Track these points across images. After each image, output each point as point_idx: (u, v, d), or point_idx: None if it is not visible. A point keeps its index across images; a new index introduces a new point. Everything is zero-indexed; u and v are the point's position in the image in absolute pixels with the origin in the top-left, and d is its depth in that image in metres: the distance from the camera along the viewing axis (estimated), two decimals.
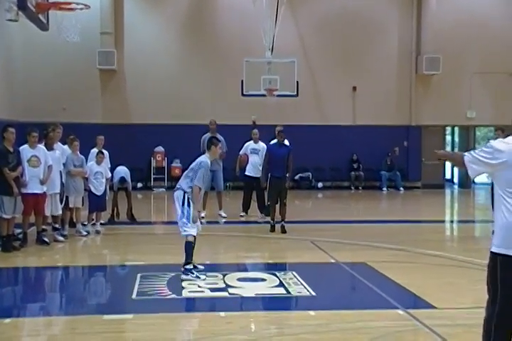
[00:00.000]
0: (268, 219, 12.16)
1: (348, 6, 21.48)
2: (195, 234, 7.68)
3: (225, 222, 13.26)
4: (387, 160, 21.46)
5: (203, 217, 13.17)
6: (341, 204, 18.20)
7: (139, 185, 20.24)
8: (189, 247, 7.67)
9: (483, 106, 21.87)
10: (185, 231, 7.64)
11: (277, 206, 11.75)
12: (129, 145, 20.09)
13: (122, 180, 12.66)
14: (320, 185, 21.50)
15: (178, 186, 7.93)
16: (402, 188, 21.42)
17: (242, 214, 13.86)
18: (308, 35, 21.56)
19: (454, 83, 21.81)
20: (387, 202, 19.59)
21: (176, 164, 20.48)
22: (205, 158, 7.88)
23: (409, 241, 10.58)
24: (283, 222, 11.42)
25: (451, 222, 15.46)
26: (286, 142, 12.48)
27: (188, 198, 7.69)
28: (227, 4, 21.19)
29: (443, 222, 14.68)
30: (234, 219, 13.47)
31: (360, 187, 21.50)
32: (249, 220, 13.44)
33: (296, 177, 20.73)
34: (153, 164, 20.71)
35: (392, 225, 13.11)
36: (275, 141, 12.66)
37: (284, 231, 11.33)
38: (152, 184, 20.60)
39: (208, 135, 13.89)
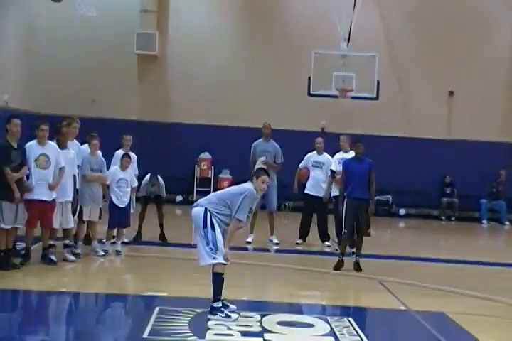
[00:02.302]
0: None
1: None
2: (224, 262, 7.57)
3: (277, 251, 13.24)
4: (491, 187, 21.06)
5: (249, 242, 13.20)
6: (427, 237, 17.97)
7: (179, 198, 20.43)
8: (218, 279, 7.57)
9: None
10: (214, 258, 7.54)
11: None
12: (168, 149, 20.36)
13: (154, 180, 12.65)
14: (402, 211, 21.36)
15: (197, 203, 7.83)
16: (507, 222, 21.05)
17: (298, 241, 13.83)
18: (394, 24, 21.54)
19: None
20: (486, 239, 19.31)
21: (225, 175, 20.59)
22: (251, 186, 7.78)
23: (508, 290, 10.28)
24: (357, 257, 11.17)
25: None
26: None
27: (212, 219, 7.59)
28: None
29: None
30: (288, 247, 13.44)
31: (453, 218, 21.33)
32: (306, 250, 13.42)
33: None
34: (197, 174, 20.86)
35: (488, 268, 12.88)
36: (343, 153, 12.67)
37: (358, 268, 11.05)
38: (195, 198, 20.66)
39: (260, 141, 13.87)
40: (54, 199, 10.07)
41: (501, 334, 7.74)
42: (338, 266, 11.07)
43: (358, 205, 11.05)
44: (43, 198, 9.89)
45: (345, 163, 11.58)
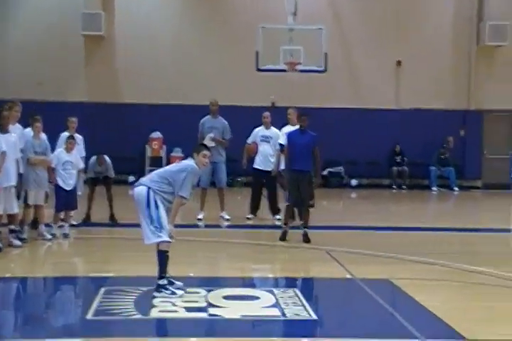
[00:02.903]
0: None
1: None
2: (169, 240, 7.54)
3: (228, 226, 13.22)
4: (440, 154, 21.22)
5: (200, 219, 13.19)
6: (378, 206, 18.14)
7: (131, 178, 20.22)
8: (163, 257, 7.53)
9: None
10: (159, 237, 7.50)
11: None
12: (118, 130, 20.24)
13: (100, 159, 12.52)
14: (354, 182, 21.48)
15: (139, 182, 7.77)
16: (456, 188, 21.31)
17: (249, 216, 13.80)
18: None
19: None
20: (436, 205, 19.54)
21: (177, 153, 20.46)
22: (192, 163, 7.74)
23: (451, 254, 10.47)
24: (305, 229, 11.22)
25: None
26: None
27: (155, 197, 7.53)
28: None
29: (506, 231, 14.31)
30: (239, 222, 13.44)
31: (404, 186, 21.48)
32: (257, 224, 13.43)
33: (325, 172, 20.62)
34: (149, 153, 20.75)
35: (438, 234, 13.06)
36: (290, 127, 12.61)
37: (307, 239, 11.12)
38: None
39: (207, 118, 13.81)
40: None
41: (443, 297, 7.87)
42: (283, 236, 11.19)
43: (300, 177, 11.08)
44: None
45: (289, 135, 11.59)
